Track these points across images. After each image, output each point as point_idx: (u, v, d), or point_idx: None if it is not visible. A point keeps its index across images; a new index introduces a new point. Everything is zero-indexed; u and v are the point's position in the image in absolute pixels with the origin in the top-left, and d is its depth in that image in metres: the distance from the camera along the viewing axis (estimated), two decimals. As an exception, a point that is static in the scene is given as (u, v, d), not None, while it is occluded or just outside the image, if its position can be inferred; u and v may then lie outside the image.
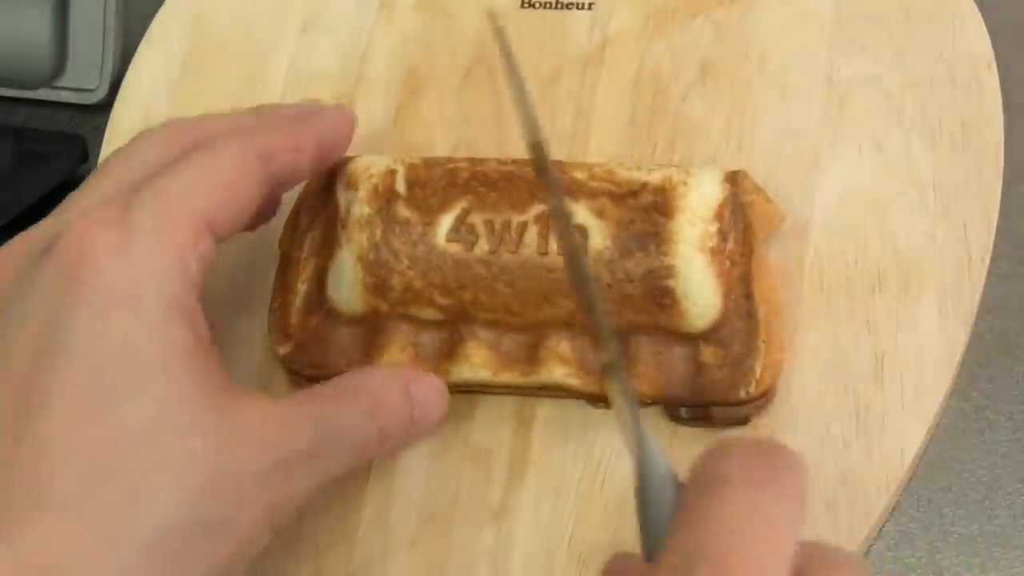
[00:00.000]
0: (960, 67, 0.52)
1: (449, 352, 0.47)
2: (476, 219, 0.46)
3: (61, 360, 0.38)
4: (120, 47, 0.62)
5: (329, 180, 0.49)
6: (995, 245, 0.49)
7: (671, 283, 0.45)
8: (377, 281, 0.46)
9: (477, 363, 0.47)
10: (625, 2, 0.56)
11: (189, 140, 0.44)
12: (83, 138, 0.61)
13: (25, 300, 0.39)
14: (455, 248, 0.46)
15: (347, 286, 0.47)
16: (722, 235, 0.46)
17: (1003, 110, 0.51)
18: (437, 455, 0.48)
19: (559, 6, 0.56)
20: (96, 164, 0.56)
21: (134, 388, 0.38)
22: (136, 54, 0.58)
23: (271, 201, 0.47)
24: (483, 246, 0.46)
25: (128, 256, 0.39)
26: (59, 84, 0.63)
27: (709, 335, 0.45)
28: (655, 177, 0.46)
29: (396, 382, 0.45)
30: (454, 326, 0.47)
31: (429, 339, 0.47)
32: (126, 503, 0.37)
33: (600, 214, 0.46)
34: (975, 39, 0.52)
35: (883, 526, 0.46)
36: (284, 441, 0.40)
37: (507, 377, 0.47)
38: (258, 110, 0.49)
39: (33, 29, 0.62)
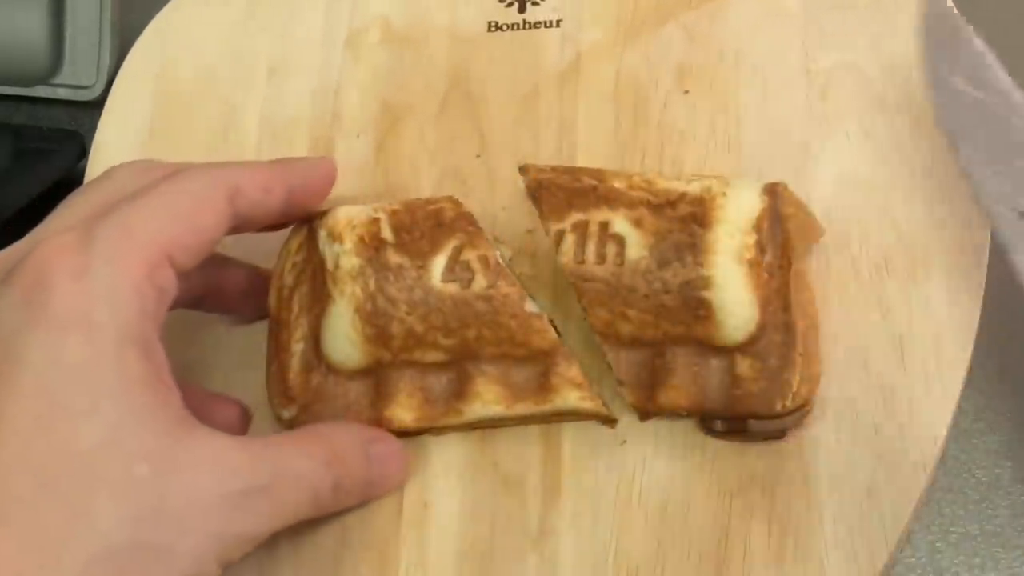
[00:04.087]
0: (935, 46, 0.52)
1: (459, 392, 0.46)
2: (470, 255, 0.46)
3: (14, 379, 0.38)
4: (116, 43, 0.62)
5: (309, 236, 0.48)
6: (993, 247, 0.49)
7: (708, 294, 0.44)
8: (377, 331, 0.46)
9: (489, 399, 0.46)
10: (592, 16, 0.56)
11: (160, 175, 0.44)
12: (81, 135, 0.61)
13: None
14: (452, 288, 0.46)
15: (346, 340, 0.46)
16: (760, 247, 0.45)
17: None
18: (467, 487, 0.47)
19: (527, 26, 0.56)
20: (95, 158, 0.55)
21: (84, 411, 0.38)
22: (101, 119, 0.57)
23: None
24: (480, 282, 0.45)
25: (85, 282, 0.40)
26: (56, 81, 0.63)
27: (746, 347, 0.45)
28: (694, 188, 0.46)
29: (356, 438, 0.45)
30: (460, 365, 0.46)
31: (436, 381, 0.47)
32: (69, 522, 0.37)
33: (638, 224, 0.45)
34: (946, 16, 0.53)
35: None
36: (236, 476, 0.41)
37: (521, 408, 0.46)
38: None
39: (29, 27, 0.62)
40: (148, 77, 0.58)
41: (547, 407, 0.46)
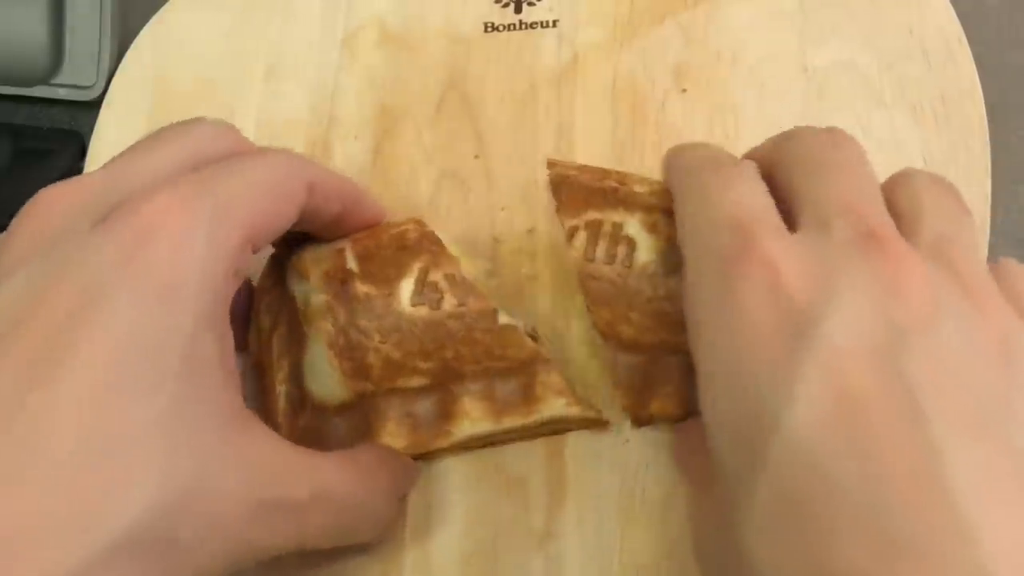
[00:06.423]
0: (931, 43, 0.52)
1: (446, 413, 0.46)
2: (436, 276, 0.45)
3: (90, 333, 0.37)
4: (116, 43, 0.62)
5: (282, 276, 0.48)
6: (995, 245, 0.49)
7: None
8: (354, 364, 0.45)
9: (476, 416, 0.45)
10: (589, 16, 0.56)
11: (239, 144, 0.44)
12: (81, 135, 0.61)
13: (74, 256, 0.38)
14: (423, 311, 0.45)
15: (326, 376, 0.45)
16: None
17: (1003, 110, 0.51)
18: (472, 489, 0.47)
19: (523, 27, 0.56)
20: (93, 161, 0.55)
21: (148, 386, 0.37)
22: (100, 119, 0.57)
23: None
24: (450, 300, 0.45)
25: (184, 252, 0.38)
26: (56, 81, 0.63)
27: None
28: None
29: (392, 484, 0.45)
30: (443, 387, 0.45)
31: (422, 406, 0.46)
32: (102, 498, 0.36)
33: (652, 228, 0.45)
34: (941, 13, 0.53)
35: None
36: (279, 485, 0.40)
37: (509, 422, 0.46)
38: None
39: (29, 27, 0.62)
40: (147, 77, 0.58)
41: (535, 417, 0.45)
